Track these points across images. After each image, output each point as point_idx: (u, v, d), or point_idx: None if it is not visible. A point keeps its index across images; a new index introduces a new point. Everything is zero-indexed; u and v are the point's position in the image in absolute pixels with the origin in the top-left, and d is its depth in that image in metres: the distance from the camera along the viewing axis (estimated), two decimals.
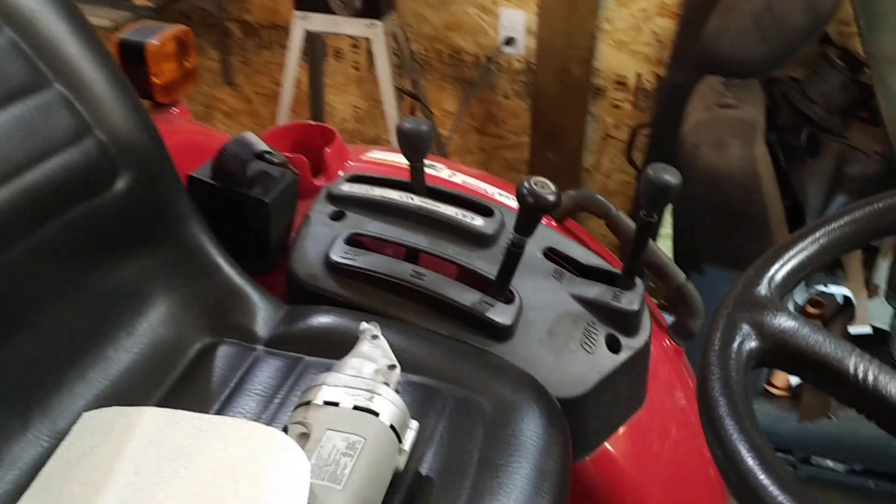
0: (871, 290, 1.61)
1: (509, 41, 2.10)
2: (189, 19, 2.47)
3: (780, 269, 0.58)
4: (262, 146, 0.98)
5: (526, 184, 0.81)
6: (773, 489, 0.45)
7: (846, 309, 1.63)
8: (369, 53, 2.30)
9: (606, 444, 0.94)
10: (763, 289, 0.57)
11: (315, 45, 2.20)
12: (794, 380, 1.69)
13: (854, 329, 1.58)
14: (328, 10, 1.93)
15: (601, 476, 0.94)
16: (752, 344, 0.54)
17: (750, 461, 0.46)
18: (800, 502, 0.44)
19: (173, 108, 1.21)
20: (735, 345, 0.53)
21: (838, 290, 1.62)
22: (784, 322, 0.55)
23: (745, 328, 0.55)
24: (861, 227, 0.61)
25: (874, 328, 1.61)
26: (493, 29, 2.12)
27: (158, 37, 1.14)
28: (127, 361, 0.82)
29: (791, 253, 0.59)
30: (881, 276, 1.61)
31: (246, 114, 2.66)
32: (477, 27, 2.14)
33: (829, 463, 1.69)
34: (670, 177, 0.85)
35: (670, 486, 1.00)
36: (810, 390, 1.66)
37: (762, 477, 0.45)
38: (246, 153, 0.97)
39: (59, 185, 0.79)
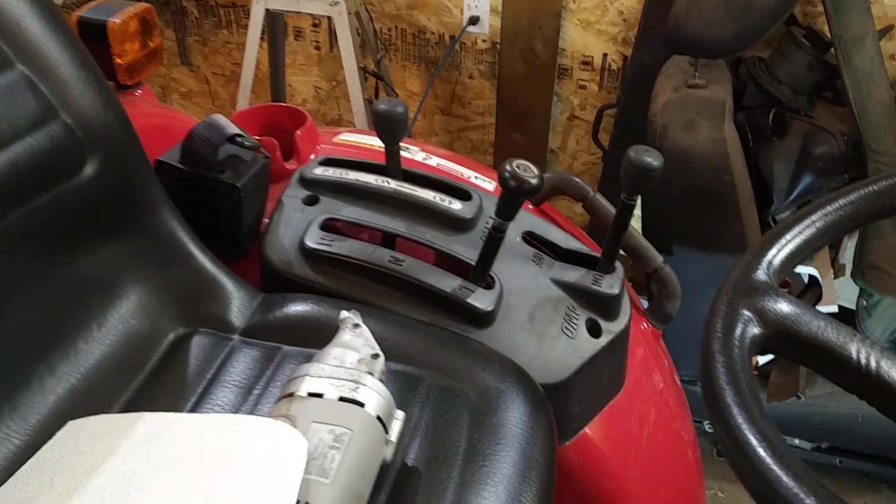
0: (837, 270, 1.63)
1: (474, 20, 2.08)
2: None
3: (778, 254, 0.58)
4: (232, 129, 0.95)
5: (508, 167, 0.79)
6: (786, 480, 0.44)
7: (812, 288, 1.65)
8: (331, 33, 2.26)
9: (587, 429, 0.93)
10: (762, 273, 0.56)
11: (275, 25, 2.16)
12: (762, 359, 1.70)
13: (821, 308, 1.59)
14: None
15: (582, 461, 0.93)
16: (755, 330, 0.53)
17: (761, 451, 0.45)
18: (814, 493, 0.43)
19: (137, 91, 1.17)
20: (738, 331, 0.53)
21: (804, 270, 1.63)
22: (785, 307, 0.54)
23: (747, 314, 0.54)
24: (857, 209, 0.60)
25: (840, 307, 1.63)
26: (458, 8, 2.10)
27: (120, 15, 1.10)
28: (98, 354, 0.79)
29: (788, 237, 0.58)
30: (847, 255, 1.63)
31: (204, 95, 2.60)
32: (441, 6, 2.12)
33: (796, 441, 1.71)
34: (652, 159, 0.84)
35: (650, 469, 1.00)
36: (778, 370, 1.68)
37: (775, 468, 0.44)
38: (216, 136, 0.94)
39: (25, 172, 0.75)
